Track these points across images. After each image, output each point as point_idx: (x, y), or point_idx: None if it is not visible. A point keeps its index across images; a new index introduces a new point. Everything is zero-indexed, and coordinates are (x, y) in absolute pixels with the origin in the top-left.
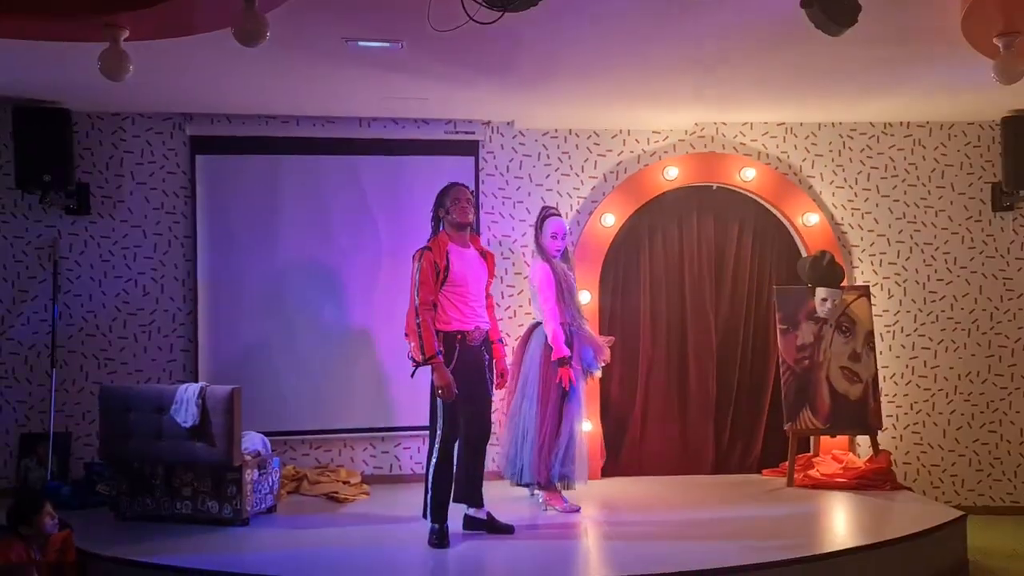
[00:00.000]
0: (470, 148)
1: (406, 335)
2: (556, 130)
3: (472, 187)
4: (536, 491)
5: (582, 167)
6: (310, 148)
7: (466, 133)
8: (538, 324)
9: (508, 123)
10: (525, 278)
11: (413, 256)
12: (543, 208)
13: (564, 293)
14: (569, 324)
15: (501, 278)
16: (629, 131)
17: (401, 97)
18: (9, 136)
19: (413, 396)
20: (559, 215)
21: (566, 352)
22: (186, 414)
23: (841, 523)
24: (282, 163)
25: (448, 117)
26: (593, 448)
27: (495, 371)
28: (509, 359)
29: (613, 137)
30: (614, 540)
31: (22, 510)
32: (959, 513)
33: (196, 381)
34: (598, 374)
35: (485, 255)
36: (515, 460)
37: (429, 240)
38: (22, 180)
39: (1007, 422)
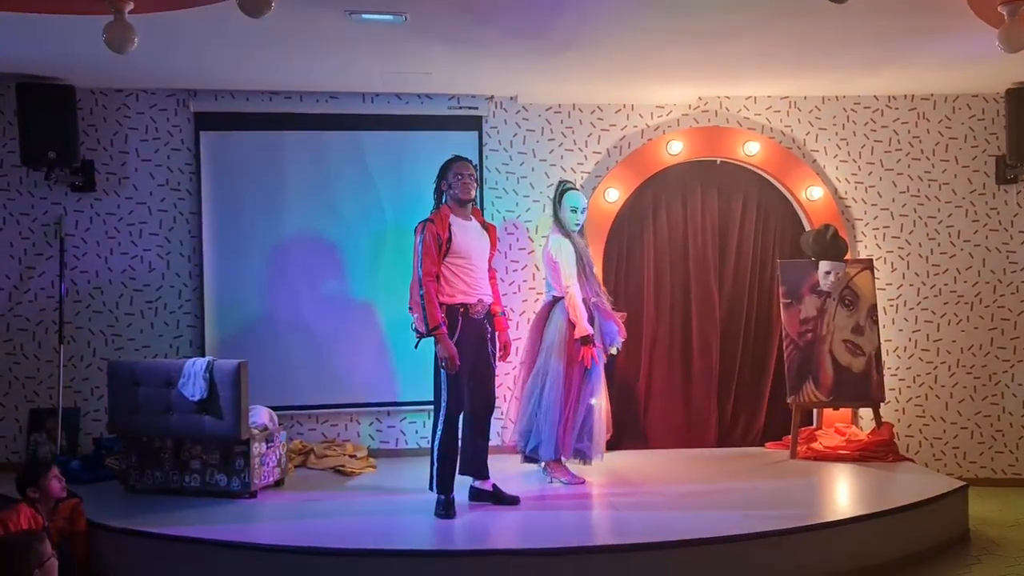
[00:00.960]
0: (474, 123)
1: (410, 308)
2: (560, 105)
3: (475, 162)
4: (544, 464)
5: (585, 142)
6: (314, 124)
7: (470, 108)
8: (558, 300)
9: (511, 98)
10: (530, 253)
11: (415, 229)
12: (561, 182)
13: (585, 268)
14: (590, 300)
15: (505, 253)
16: (632, 106)
17: (404, 72)
18: (14, 113)
19: (417, 371)
20: (577, 189)
21: (590, 330)
22: (194, 388)
23: (843, 493)
24: (286, 139)
25: (452, 92)
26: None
27: (498, 343)
28: (517, 334)
29: (616, 112)
30: (619, 510)
31: (31, 472)
32: (960, 483)
33: (203, 356)
34: (614, 351)
35: (487, 228)
36: (531, 436)
37: (431, 213)
38: (27, 157)
39: (1009, 395)
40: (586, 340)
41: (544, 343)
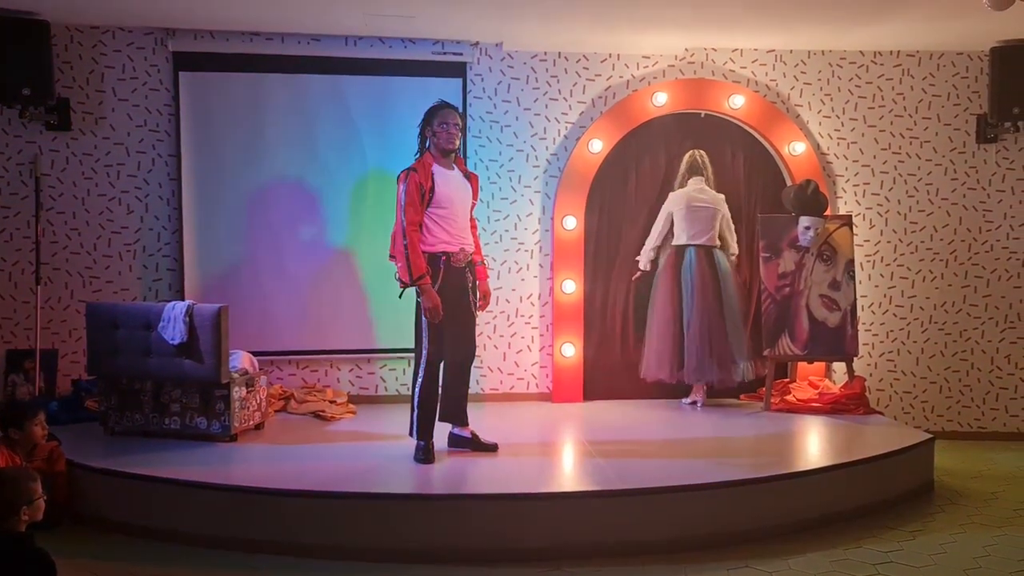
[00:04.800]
0: (458, 69)
1: (392, 256)
2: (545, 53)
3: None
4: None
5: (570, 91)
6: (295, 66)
7: (454, 54)
8: (713, 247)
9: (497, 44)
10: (512, 203)
11: (398, 177)
12: (697, 153)
13: None
14: None
15: (487, 203)
16: (619, 55)
17: (388, 14)
18: None
19: (397, 318)
20: None
21: None
22: (174, 331)
23: (815, 444)
24: (267, 81)
25: (436, 37)
26: (577, 372)
27: (479, 292)
28: (497, 283)
29: (603, 61)
30: (595, 457)
31: (16, 413)
32: (927, 436)
33: (182, 300)
34: None
35: (469, 177)
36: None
37: (414, 161)
38: (1, 94)
39: (978, 351)
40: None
41: (721, 284)
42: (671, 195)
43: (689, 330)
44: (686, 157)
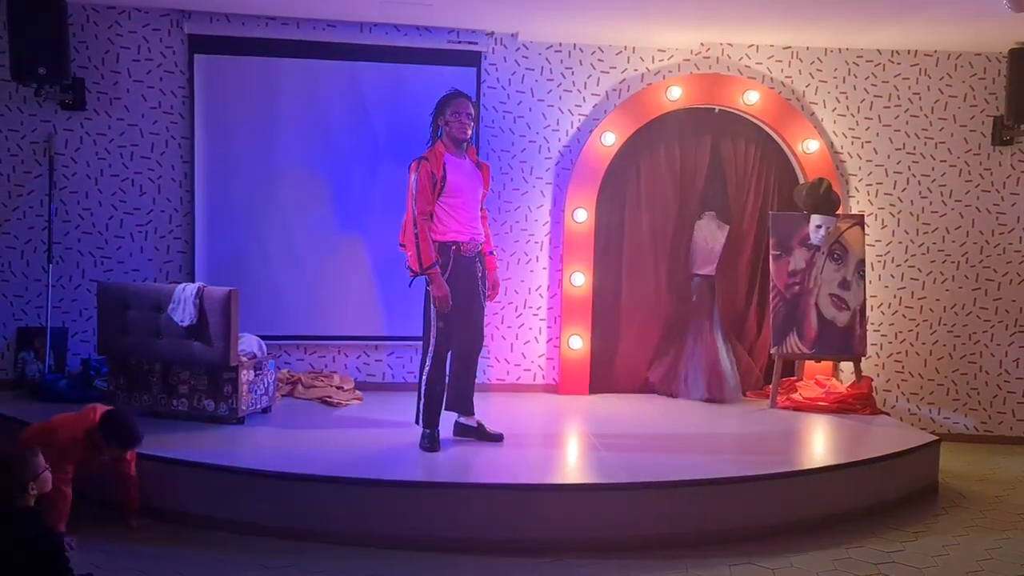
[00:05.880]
0: (472, 59)
1: (402, 245)
2: (560, 44)
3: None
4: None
5: (584, 83)
6: (310, 52)
7: (469, 43)
8: (714, 277)
9: (512, 35)
10: (524, 194)
11: (410, 166)
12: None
13: None
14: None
15: (498, 193)
16: (634, 48)
17: (404, 2)
18: (3, 26)
19: (404, 307)
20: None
21: None
22: (183, 313)
23: (820, 443)
24: (281, 66)
25: (451, 26)
26: (584, 364)
27: (488, 283)
28: (507, 274)
29: (617, 54)
30: (599, 451)
31: (117, 432)
32: (933, 437)
33: (193, 282)
34: None
35: (481, 167)
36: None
37: (426, 150)
38: (17, 72)
39: (987, 354)
40: None
41: (716, 312)
42: (697, 223)
43: (684, 351)
44: (699, 195)
